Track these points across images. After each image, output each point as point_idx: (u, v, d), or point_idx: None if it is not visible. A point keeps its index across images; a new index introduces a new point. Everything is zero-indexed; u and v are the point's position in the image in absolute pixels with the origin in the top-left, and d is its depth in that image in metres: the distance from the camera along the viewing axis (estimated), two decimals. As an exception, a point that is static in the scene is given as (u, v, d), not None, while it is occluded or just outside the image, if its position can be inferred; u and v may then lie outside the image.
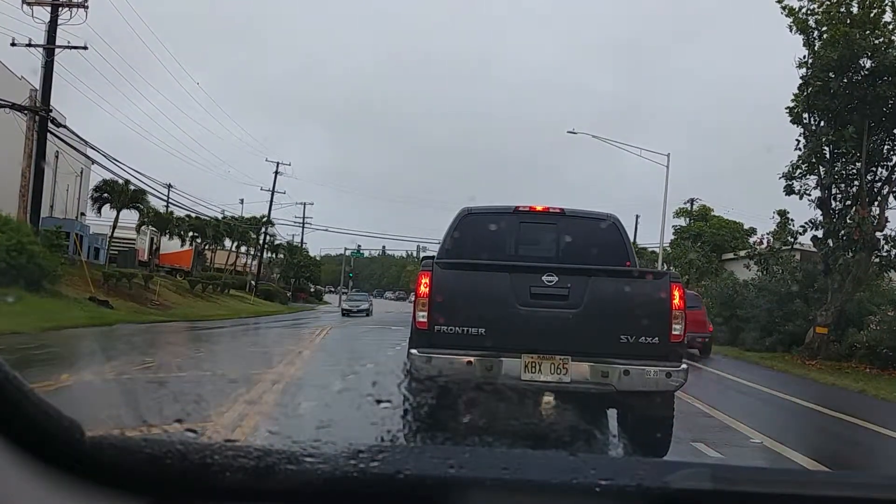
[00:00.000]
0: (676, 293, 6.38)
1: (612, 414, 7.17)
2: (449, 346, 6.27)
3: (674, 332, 6.27)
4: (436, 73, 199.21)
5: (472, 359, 6.20)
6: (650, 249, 61.44)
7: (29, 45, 27.92)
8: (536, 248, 7.85)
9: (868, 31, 20.12)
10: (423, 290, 6.38)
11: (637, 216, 66.27)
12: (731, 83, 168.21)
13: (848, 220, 21.79)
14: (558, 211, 7.86)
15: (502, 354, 6.25)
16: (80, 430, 1.33)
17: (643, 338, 6.28)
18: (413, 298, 6.74)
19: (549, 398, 6.11)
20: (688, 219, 51.21)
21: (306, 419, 6.27)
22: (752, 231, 47.90)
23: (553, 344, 6.27)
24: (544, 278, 6.39)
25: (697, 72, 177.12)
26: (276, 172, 58.42)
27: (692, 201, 52.75)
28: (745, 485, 1.57)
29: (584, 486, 1.46)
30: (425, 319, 6.35)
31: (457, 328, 6.34)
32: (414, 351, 6.29)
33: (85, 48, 28.32)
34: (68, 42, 27.87)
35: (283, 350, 15.91)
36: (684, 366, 6.30)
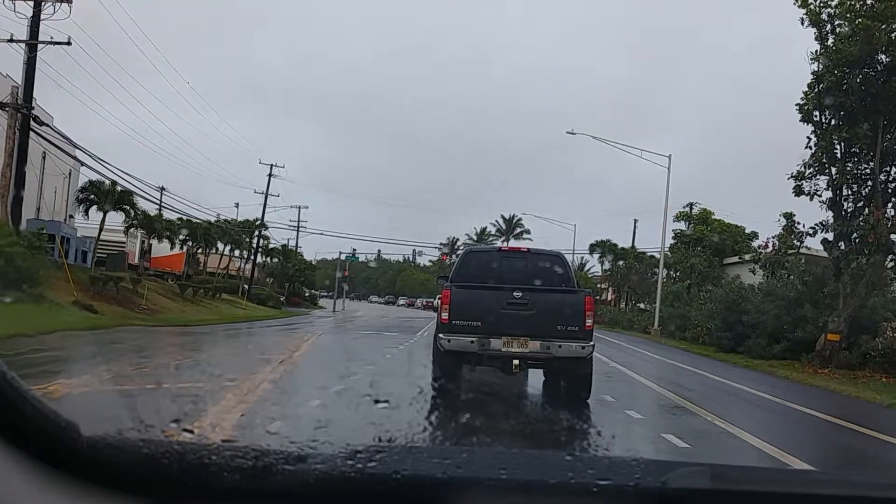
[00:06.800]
0: (588, 302, 10.78)
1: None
2: (460, 332, 10.45)
3: (586, 324, 10.63)
4: (435, 72, 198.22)
5: (473, 339, 10.41)
6: (649, 254, 60.78)
7: (10, 40, 27.12)
8: (512, 273, 11.63)
9: (885, 26, 19.24)
10: (445, 300, 10.68)
11: (635, 220, 65.85)
12: (736, 83, 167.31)
13: (861, 223, 20.90)
14: (525, 250, 13.82)
15: (491, 337, 10.42)
16: (77, 430, 1.34)
17: (569, 327, 10.52)
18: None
19: (516, 361, 10.47)
20: (688, 223, 50.33)
21: (304, 419, 6.80)
22: (754, 235, 47.24)
23: (520, 331, 10.45)
24: (515, 294, 10.65)
25: (700, 71, 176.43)
26: (270, 175, 57.61)
27: (691, 205, 52.01)
28: (743, 484, 1.58)
29: (582, 486, 1.47)
30: (447, 317, 10.54)
31: (465, 322, 10.49)
32: (441, 335, 10.60)
33: (69, 44, 27.58)
34: (51, 37, 27.11)
35: (263, 359, 14.93)
36: (592, 342, 10.74)
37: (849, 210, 21.69)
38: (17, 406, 1.24)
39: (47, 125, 28.74)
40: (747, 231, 48.66)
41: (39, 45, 27.41)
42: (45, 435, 1.28)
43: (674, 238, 48.81)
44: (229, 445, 1.46)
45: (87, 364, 11.38)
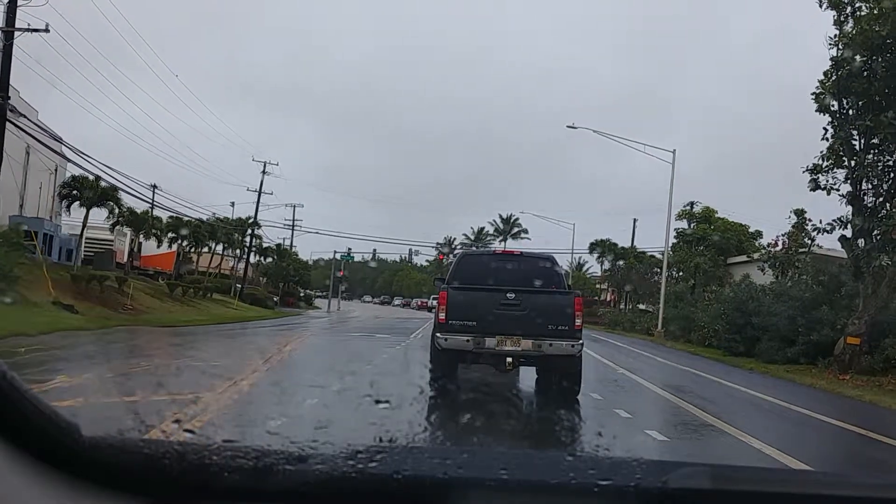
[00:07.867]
0: (577, 302, 11.27)
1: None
2: (456, 331, 10.92)
3: (576, 324, 11.11)
4: (434, 71, 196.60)
5: (468, 338, 10.89)
6: (649, 253, 59.56)
7: (-15, 27, 25.89)
8: (506, 274, 11.98)
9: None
10: (442, 301, 11.13)
11: (635, 219, 64.66)
12: (738, 81, 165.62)
13: (883, 218, 19.63)
14: (518, 253, 15.04)
15: (485, 336, 10.88)
16: (77, 430, 1.32)
17: (559, 327, 11.00)
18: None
19: (509, 359, 10.92)
20: (690, 221, 49.16)
21: (305, 419, 6.76)
22: (758, 234, 46.08)
23: (512, 330, 10.89)
24: (508, 295, 11.11)
25: (702, 70, 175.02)
26: (263, 172, 56.32)
27: (692, 204, 50.85)
28: (743, 484, 1.57)
29: (583, 486, 1.46)
30: (444, 317, 11.01)
31: (460, 322, 10.96)
32: (438, 334, 11.08)
33: (46, 31, 26.25)
34: (28, 24, 25.90)
35: (243, 365, 13.66)
36: (582, 341, 11.23)
37: (869, 205, 20.43)
38: (17, 406, 1.22)
39: (25, 117, 27.44)
40: (751, 230, 47.62)
41: (21, 35, 26.24)
42: (45, 435, 1.26)
43: (676, 237, 47.65)
44: (230, 445, 1.42)
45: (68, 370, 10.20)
